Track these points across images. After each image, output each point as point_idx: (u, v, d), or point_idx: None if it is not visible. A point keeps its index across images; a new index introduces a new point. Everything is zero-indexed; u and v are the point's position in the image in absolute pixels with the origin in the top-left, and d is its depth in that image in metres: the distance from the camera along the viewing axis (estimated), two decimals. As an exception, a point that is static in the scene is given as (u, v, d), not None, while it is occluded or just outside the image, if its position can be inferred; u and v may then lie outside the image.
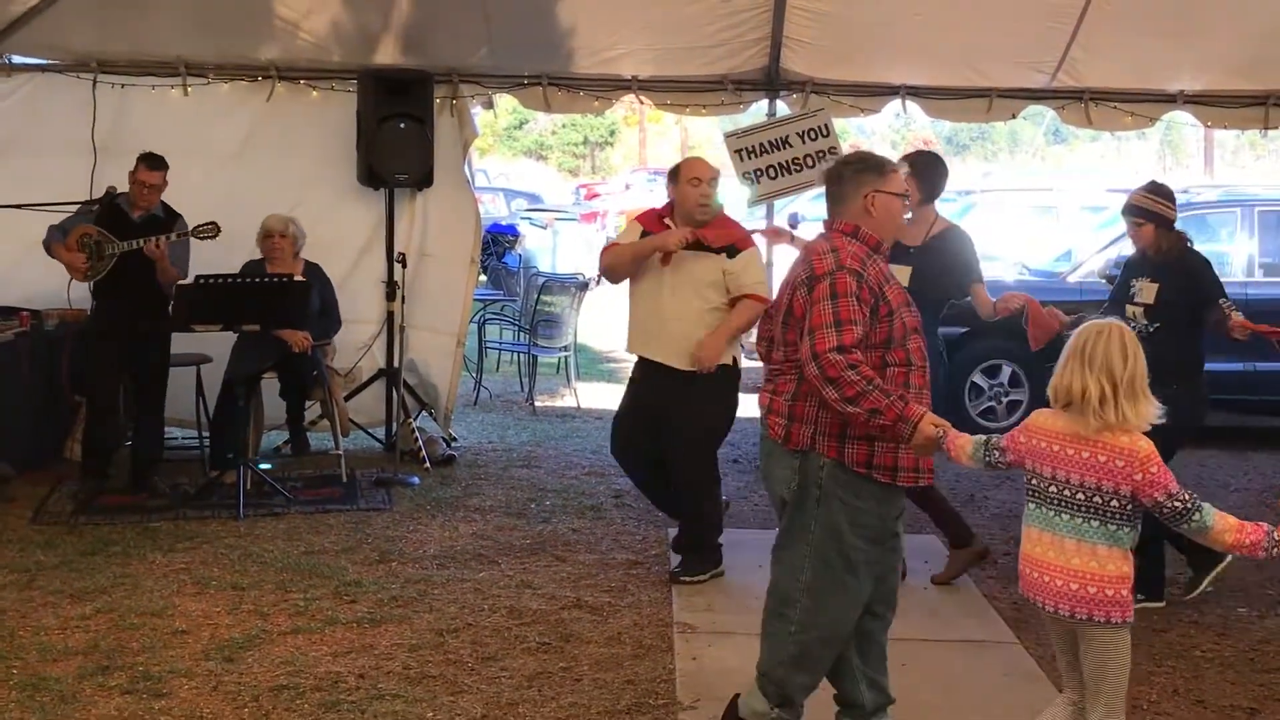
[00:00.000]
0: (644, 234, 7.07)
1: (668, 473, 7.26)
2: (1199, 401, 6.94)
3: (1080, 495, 4.15)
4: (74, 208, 8.62)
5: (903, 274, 6.93)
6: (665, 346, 7.00)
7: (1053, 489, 4.21)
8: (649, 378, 7.14)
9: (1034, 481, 4.29)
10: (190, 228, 8.42)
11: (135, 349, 8.51)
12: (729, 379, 7.05)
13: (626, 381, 7.51)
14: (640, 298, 7.10)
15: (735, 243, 6.96)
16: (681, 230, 6.90)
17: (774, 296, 5.32)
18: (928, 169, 7.22)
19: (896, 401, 4.43)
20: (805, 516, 4.67)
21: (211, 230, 8.42)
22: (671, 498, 7.43)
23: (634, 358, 7.34)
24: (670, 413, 7.01)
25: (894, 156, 6.39)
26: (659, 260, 6.95)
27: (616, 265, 7.09)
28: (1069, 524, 4.17)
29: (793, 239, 7.93)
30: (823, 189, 4.99)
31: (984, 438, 4.47)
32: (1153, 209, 6.99)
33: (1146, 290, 6.95)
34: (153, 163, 8.40)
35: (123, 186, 8.53)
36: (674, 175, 7.10)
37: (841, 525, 4.61)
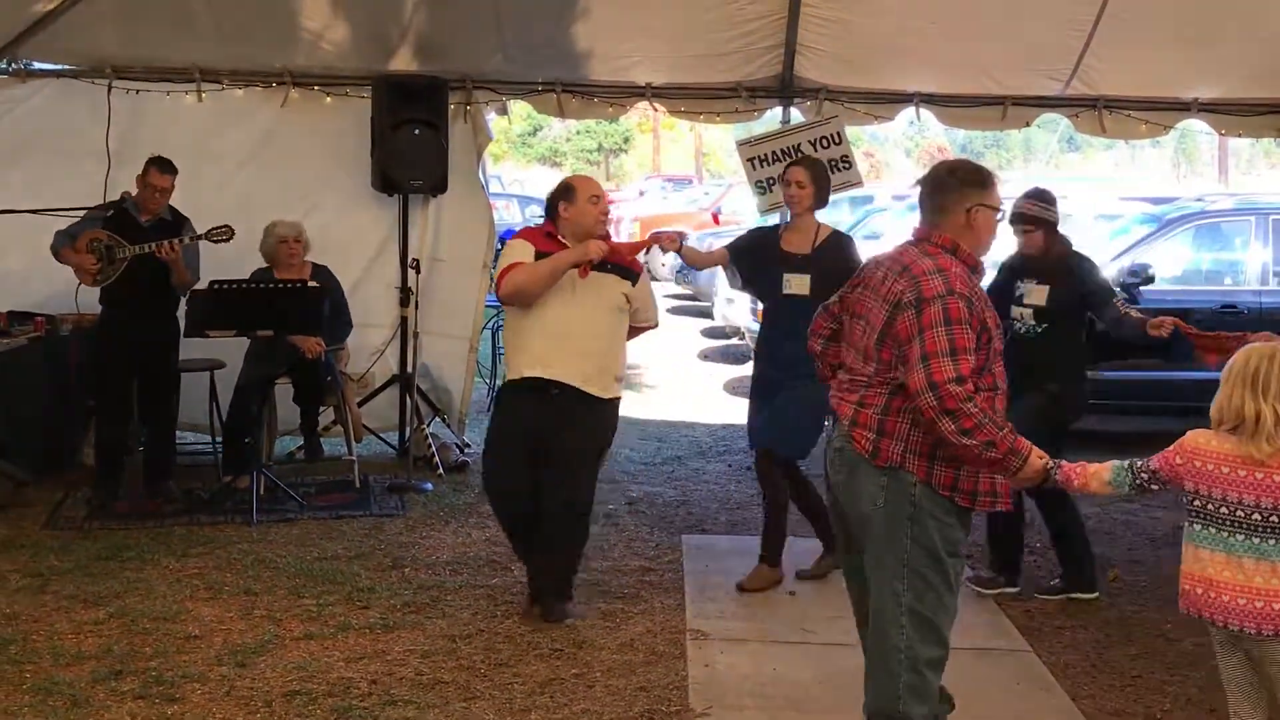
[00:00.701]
0: (539, 254, 6.51)
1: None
2: (1082, 399, 7.19)
3: (1257, 516, 4.19)
4: (85, 213, 8.64)
5: (802, 283, 7.03)
6: (571, 367, 6.45)
7: (1224, 510, 4.24)
8: (536, 403, 6.46)
9: (1198, 503, 4.31)
10: (203, 232, 8.44)
11: (144, 354, 8.52)
12: (617, 405, 6.79)
13: (499, 411, 6.78)
14: (542, 318, 6.46)
15: (632, 266, 6.69)
16: (599, 243, 6.48)
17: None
18: (822, 177, 7.22)
19: (1008, 434, 4.32)
20: (897, 535, 4.46)
21: (225, 233, 8.44)
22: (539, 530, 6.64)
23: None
24: (560, 436, 6.45)
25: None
26: (577, 275, 6.46)
27: (531, 285, 6.39)
28: (1245, 544, 4.21)
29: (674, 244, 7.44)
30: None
31: (1125, 463, 4.43)
32: (1041, 215, 7.12)
33: (1036, 293, 7.10)
34: (164, 166, 8.42)
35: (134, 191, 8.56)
36: (567, 193, 6.57)
37: (937, 544, 4.45)
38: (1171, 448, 4.39)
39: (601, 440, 6.70)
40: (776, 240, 7.31)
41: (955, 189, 4.58)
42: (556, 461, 6.48)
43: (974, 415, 4.25)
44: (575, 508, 6.58)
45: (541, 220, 6.89)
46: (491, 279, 8.75)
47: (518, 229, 9.11)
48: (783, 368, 6.99)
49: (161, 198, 8.45)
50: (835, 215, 14.08)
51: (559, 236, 6.55)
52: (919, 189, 4.76)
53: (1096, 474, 4.42)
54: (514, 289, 6.41)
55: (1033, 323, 7.07)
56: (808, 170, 7.16)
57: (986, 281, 5.41)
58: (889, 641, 4.49)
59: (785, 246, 7.20)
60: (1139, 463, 4.41)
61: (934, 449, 4.41)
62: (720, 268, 7.81)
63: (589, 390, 6.48)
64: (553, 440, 6.45)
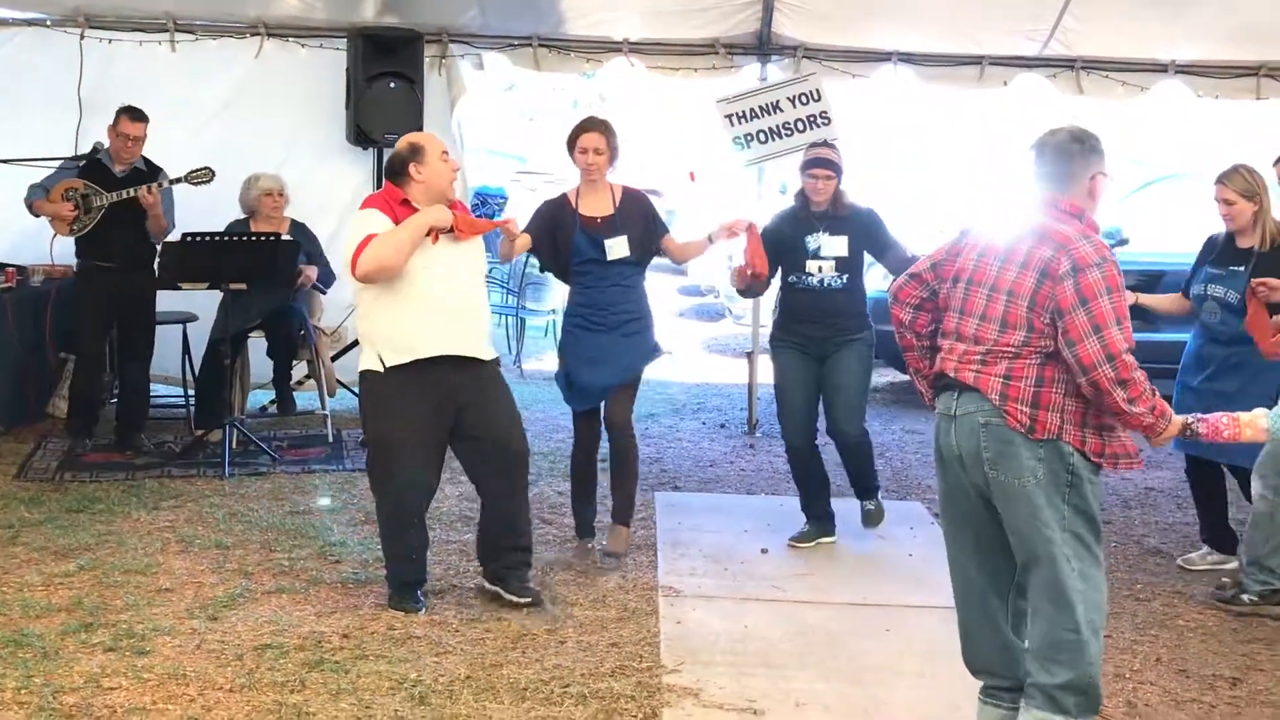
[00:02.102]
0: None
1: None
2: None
3: None
4: (56, 163, 8.58)
5: (622, 244, 6.96)
6: (466, 338, 6.09)
7: None
8: (442, 383, 6.02)
9: None
10: (183, 174, 8.39)
11: (121, 304, 8.50)
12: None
13: (392, 397, 6.03)
14: (427, 292, 5.96)
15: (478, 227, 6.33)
16: (454, 209, 6.11)
17: None
18: (614, 139, 6.97)
19: (1159, 399, 4.41)
20: (1056, 503, 4.39)
21: (206, 175, 8.41)
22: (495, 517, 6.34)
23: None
24: (481, 409, 6.14)
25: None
26: (429, 241, 5.97)
27: (396, 257, 5.84)
28: None
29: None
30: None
31: (1278, 409, 4.60)
32: (838, 162, 7.21)
33: (833, 244, 7.16)
34: (135, 115, 8.37)
35: (107, 142, 8.50)
36: (416, 153, 6.03)
37: (1093, 506, 4.45)
38: None
39: (514, 404, 6.43)
40: (573, 210, 6.98)
41: (1082, 156, 4.54)
42: (496, 429, 6.18)
43: (1141, 384, 4.32)
44: (522, 485, 6.38)
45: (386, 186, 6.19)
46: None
47: (492, 185, 8.90)
48: (612, 326, 6.96)
49: (134, 146, 8.40)
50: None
51: (411, 202, 6.02)
52: (1034, 154, 4.62)
53: (1251, 423, 4.58)
54: (377, 264, 5.79)
55: (834, 274, 7.15)
56: (603, 134, 6.89)
57: None
58: (1072, 613, 4.37)
59: (586, 212, 6.96)
60: None
61: (1086, 416, 4.41)
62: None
63: (488, 358, 6.22)
64: (484, 414, 6.13)
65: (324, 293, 9.19)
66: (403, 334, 5.97)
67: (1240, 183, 6.74)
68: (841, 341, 7.17)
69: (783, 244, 7.21)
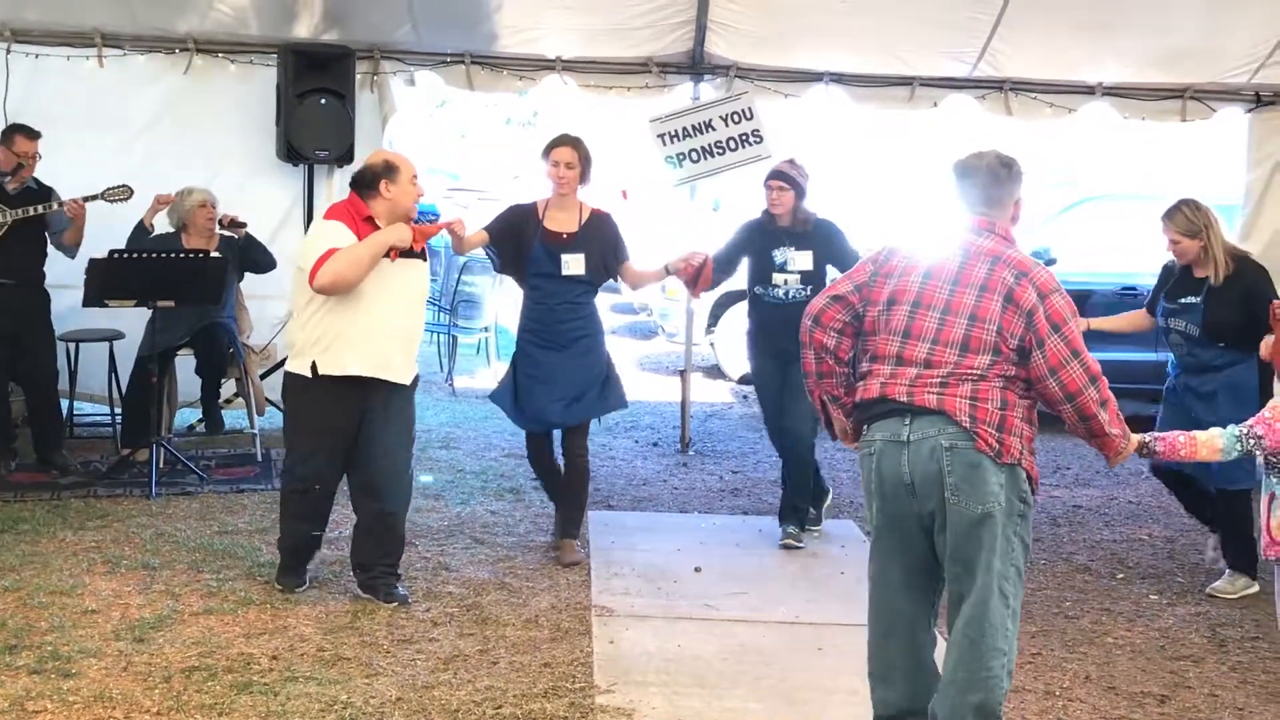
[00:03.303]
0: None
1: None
2: None
3: None
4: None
5: (578, 262, 7.09)
6: (406, 367, 6.33)
7: None
8: (360, 399, 6.22)
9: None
10: (100, 192, 8.32)
11: (19, 322, 8.35)
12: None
13: (315, 401, 6.22)
14: (372, 311, 6.08)
15: (421, 252, 6.42)
16: (410, 227, 6.21)
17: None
18: (587, 156, 7.11)
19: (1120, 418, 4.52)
20: (1008, 534, 4.36)
21: (123, 193, 8.35)
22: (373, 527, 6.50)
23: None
24: (376, 431, 6.31)
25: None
26: (387, 259, 6.11)
27: (353, 273, 5.96)
28: None
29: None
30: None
31: (1236, 430, 4.91)
32: (798, 178, 7.44)
33: (800, 258, 7.43)
34: (30, 133, 8.30)
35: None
36: (390, 171, 6.14)
37: (1029, 537, 4.48)
38: (1267, 413, 4.97)
39: (412, 428, 6.61)
40: (539, 220, 7.13)
41: (1010, 180, 4.59)
42: (381, 456, 6.35)
43: (1114, 403, 4.46)
44: (400, 502, 6.53)
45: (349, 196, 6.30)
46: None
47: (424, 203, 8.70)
48: (563, 345, 7.09)
49: (30, 164, 8.30)
50: (741, 194, 14.05)
51: (375, 218, 6.15)
52: (959, 177, 4.63)
53: (1208, 443, 4.89)
54: (335, 278, 5.92)
55: (799, 287, 7.40)
56: (575, 150, 7.05)
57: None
58: (994, 644, 4.36)
59: (550, 225, 7.12)
60: (1244, 429, 4.91)
61: (1031, 443, 4.45)
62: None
63: (408, 382, 6.39)
64: (378, 437, 6.31)
65: (261, 273, 9.14)
66: (342, 347, 6.10)
67: (1183, 222, 6.87)
68: None
69: (751, 255, 7.54)
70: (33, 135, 8.32)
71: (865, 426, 4.60)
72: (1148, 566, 7.54)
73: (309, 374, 6.12)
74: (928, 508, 4.41)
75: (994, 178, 4.57)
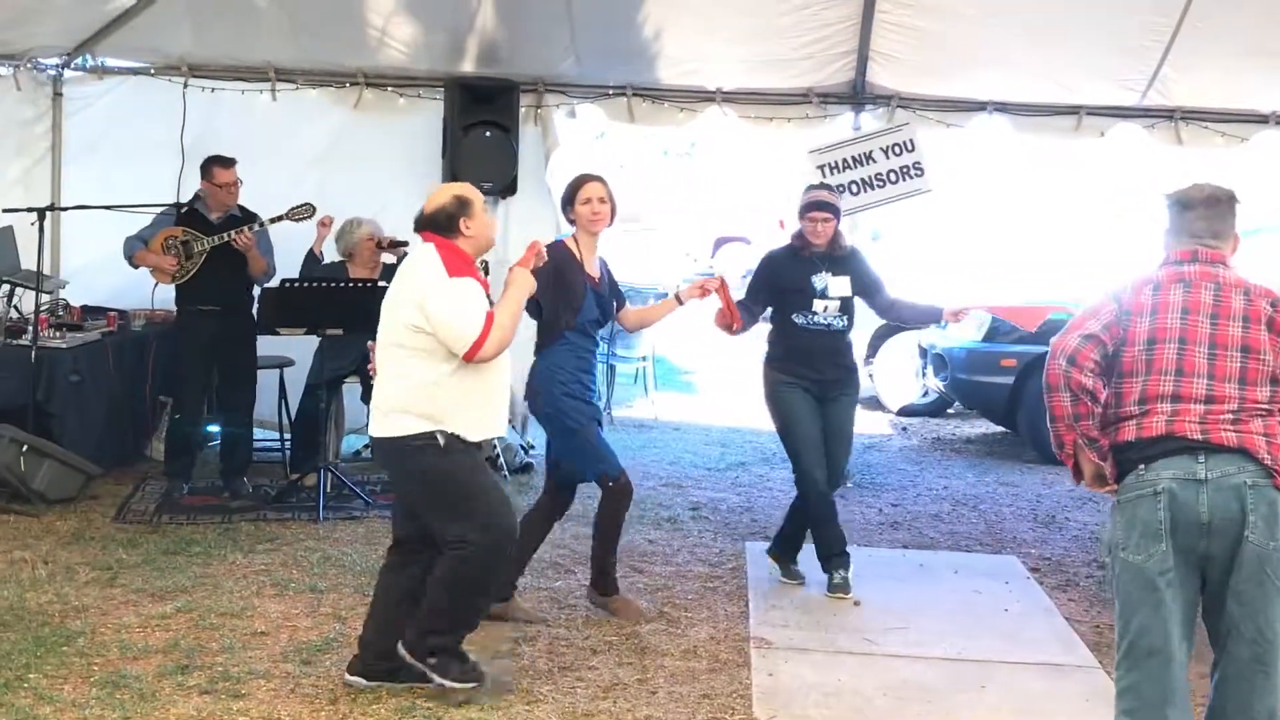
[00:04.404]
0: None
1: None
2: None
3: None
4: (158, 209, 8.76)
5: (844, 284, 7.09)
6: (504, 419, 5.79)
7: None
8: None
9: None
10: (284, 212, 8.58)
11: (222, 348, 8.62)
12: None
13: (484, 472, 5.71)
14: (496, 369, 5.56)
15: None
16: (530, 276, 5.79)
17: None
18: (611, 196, 6.69)
19: None
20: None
21: (306, 211, 8.57)
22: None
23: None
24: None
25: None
26: None
27: (512, 338, 5.56)
28: None
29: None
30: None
31: None
32: (838, 204, 7.31)
33: (838, 284, 7.19)
34: (225, 162, 8.55)
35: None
36: (467, 207, 5.56)
37: None
38: None
39: None
40: (579, 264, 6.53)
41: (1233, 214, 4.59)
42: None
43: None
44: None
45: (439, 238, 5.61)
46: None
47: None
48: (592, 400, 6.66)
49: (228, 191, 8.54)
50: (900, 223, 13.93)
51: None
52: (1182, 208, 4.62)
53: None
54: (501, 348, 5.45)
55: (837, 314, 7.23)
56: (605, 186, 6.59)
57: None
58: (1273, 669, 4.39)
59: (589, 270, 6.57)
60: None
61: None
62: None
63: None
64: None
65: None
66: (486, 411, 5.57)
67: None
68: (844, 385, 7.25)
69: (785, 284, 7.20)
70: (228, 164, 8.57)
71: (1142, 466, 4.44)
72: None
73: (449, 443, 5.43)
74: (1217, 547, 4.32)
75: (1220, 210, 4.55)
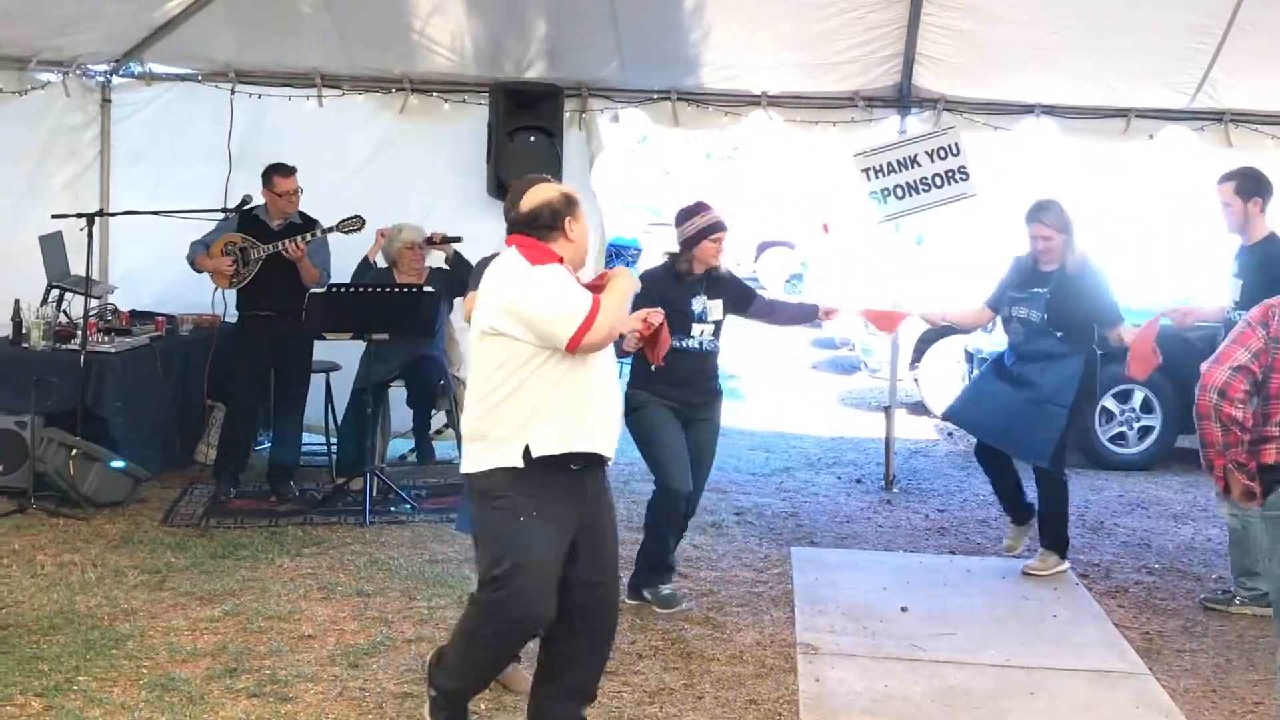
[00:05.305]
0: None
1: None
2: None
3: None
4: (206, 214, 8.82)
5: (719, 306, 6.95)
6: (613, 435, 4.97)
7: None
8: (579, 485, 4.85)
9: None
10: (334, 224, 8.61)
11: (279, 353, 8.67)
12: None
13: (528, 506, 4.74)
14: (588, 375, 4.80)
15: None
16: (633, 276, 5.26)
17: None
18: None
19: None
20: None
21: (356, 224, 8.63)
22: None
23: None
24: (587, 537, 4.90)
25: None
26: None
27: (619, 325, 5.00)
28: None
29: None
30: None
31: None
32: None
33: (715, 307, 6.96)
34: (285, 170, 8.59)
35: (256, 195, 8.72)
36: (572, 206, 4.89)
37: None
38: None
39: None
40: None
41: None
42: (599, 545, 4.97)
43: None
44: (610, 632, 5.13)
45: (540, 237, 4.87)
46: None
47: (626, 237, 8.54)
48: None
49: (288, 200, 8.59)
50: (945, 226, 13.86)
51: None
52: None
53: None
54: (610, 332, 4.77)
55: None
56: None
57: None
58: None
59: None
60: None
61: None
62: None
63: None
64: (587, 547, 4.90)
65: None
66: (573, 418, 4.76)
67: (1056, 219, 7.47)
68: (709, 409, 6.97)
69: (668, 307, 6.24)
70: (287, 172, 8.63)
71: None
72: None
73: (520, 463, 4.70)
74: None
75: None
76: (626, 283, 4.98)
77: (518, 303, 4.65)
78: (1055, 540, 7.72)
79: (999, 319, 7.89)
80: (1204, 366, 4.75)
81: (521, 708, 5.21)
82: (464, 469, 4.87)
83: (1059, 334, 7.46)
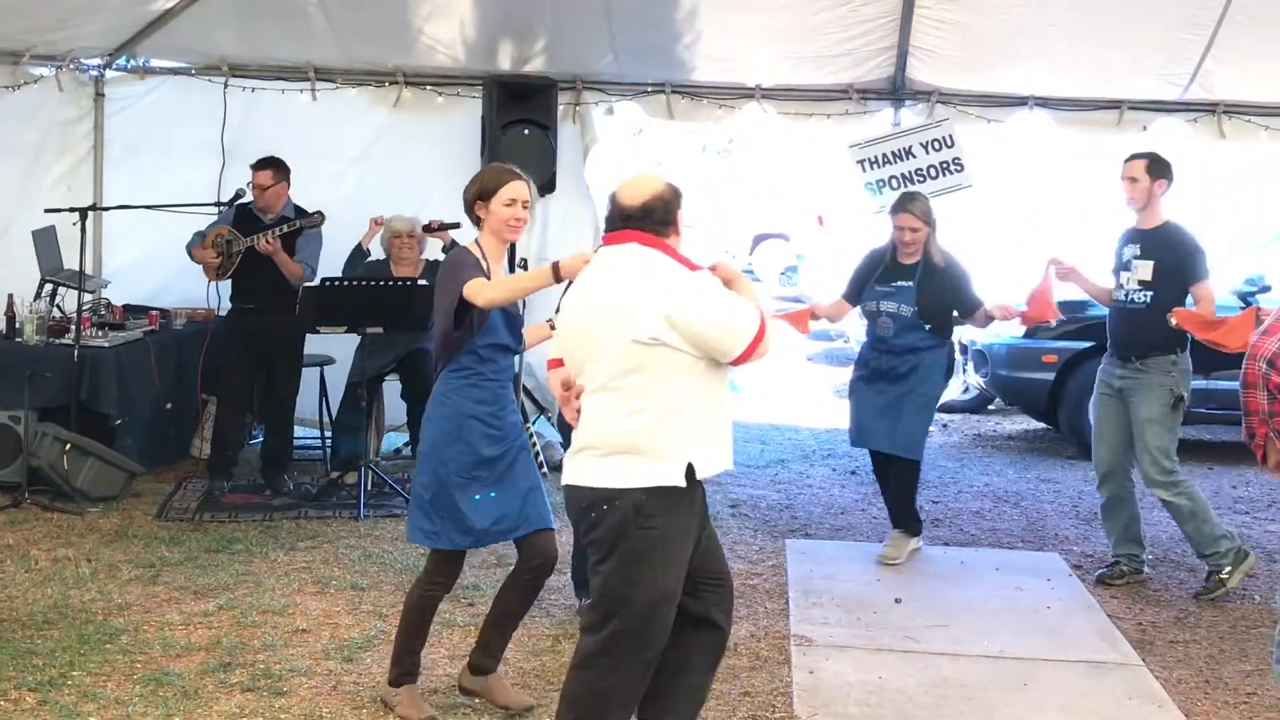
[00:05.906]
0: None
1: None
2: None
3: None
4: (199, 209, 8.81)
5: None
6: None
7: None
8: (697, 508, 4.59)
9: None
10: (297, 221, 8.60)
11: (266, 346, 8.66)
12: None
13: (668, 527, 4.42)
14: (721, 387, 4.54)
15: None
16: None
17: None
18: None
19: None
20: None
21: (318, 219, 8.55)
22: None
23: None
24: (709, 538, 4.81)
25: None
26: None
27: None
28: None
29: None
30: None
31: None
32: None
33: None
34: (259, 164, 8.60)
35: (249, 191, 8.72)
36: (679, 198, 4.59)
37: None
38: None
39: None
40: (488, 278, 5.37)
41: None
42: (709, 570, 4.78)
43: None
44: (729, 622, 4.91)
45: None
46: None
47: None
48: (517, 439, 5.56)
49: (269, 193, 8.56)
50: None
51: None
52: None
53: None
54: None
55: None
56: (530, 187, 5.52)
57: None
58: None
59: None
60: None
61: None
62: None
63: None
64: (703, 557, 4.72)
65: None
66: (724, 434, 4.58)
67: (922, 211, 7.60)
68: None
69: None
70: (261, 166, 8.61)
71: None
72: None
73: (683, 482, 4.40)
74: None
75: None
76: (747, 287, 4.66)
77: (683, 312, 4.31)
78: (908, 520, 7.87)
79: (863, 314, 7.97)
80: (1253, 337, 4.79)
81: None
82: (604, 483, 4.39)
83: (928, 326, 7.60)
